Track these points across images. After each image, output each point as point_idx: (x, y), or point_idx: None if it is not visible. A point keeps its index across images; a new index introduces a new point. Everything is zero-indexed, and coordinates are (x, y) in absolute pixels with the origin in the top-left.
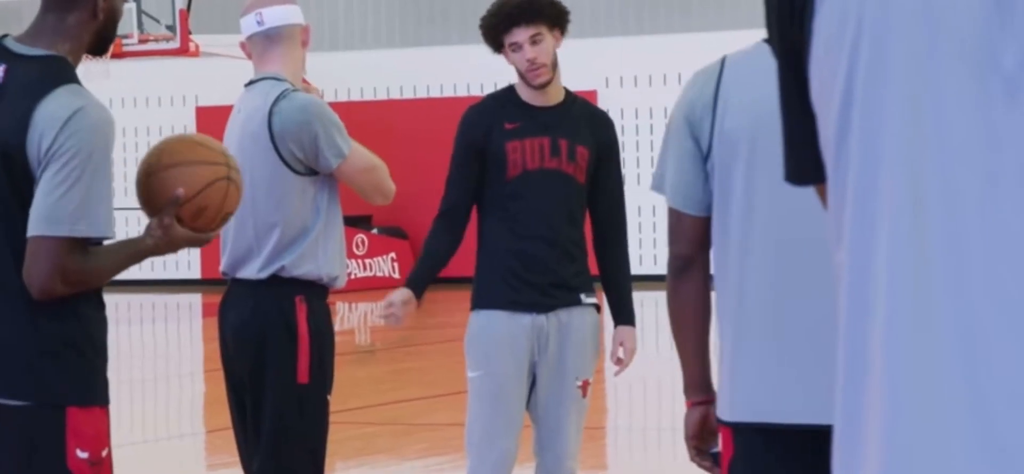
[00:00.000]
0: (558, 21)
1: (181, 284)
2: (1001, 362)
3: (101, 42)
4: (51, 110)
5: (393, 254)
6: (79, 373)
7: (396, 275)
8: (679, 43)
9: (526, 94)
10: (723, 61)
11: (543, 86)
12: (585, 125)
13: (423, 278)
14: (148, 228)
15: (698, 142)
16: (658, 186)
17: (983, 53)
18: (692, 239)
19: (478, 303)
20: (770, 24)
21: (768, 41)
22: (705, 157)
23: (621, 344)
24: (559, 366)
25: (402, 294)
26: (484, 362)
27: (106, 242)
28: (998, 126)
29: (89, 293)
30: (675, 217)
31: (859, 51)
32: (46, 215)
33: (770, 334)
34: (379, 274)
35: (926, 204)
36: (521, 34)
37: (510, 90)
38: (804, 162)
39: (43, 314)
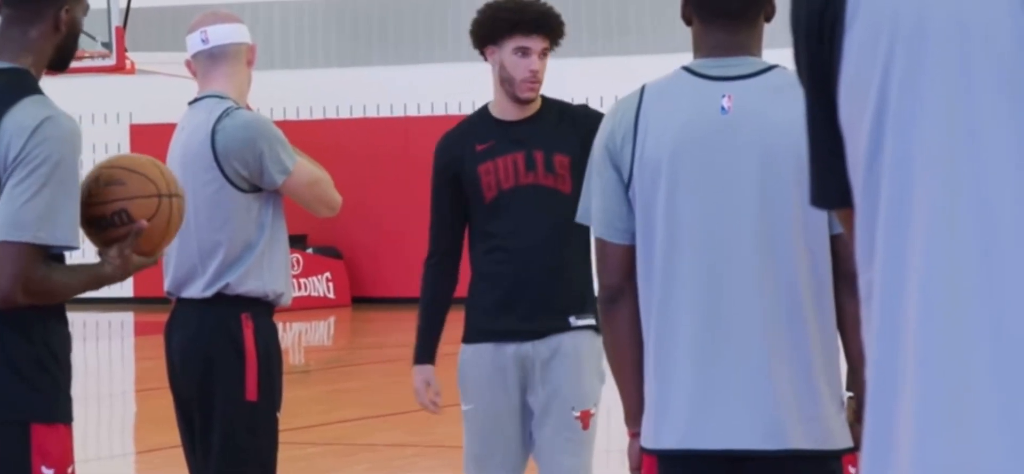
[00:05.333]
0: (558, 42)
1: (113, 302)
2: None
3: (62, 56)
4: (19, 119)
5: (328, 273)
6: (44, 390)
7: (331, 295)
8: (640, 64)
9: (499, 109)
10: (643, 89)
11: (530, 101)
12: (566, 127)
13: (430, 344)
14: (107, 256)
15: (619, 171)
16: (584, 217)
17: (1017, 69)
18: (619, 268)
19: (466, 336)
20: (797, 46)
21: (795, 64)
22: (627, 185)
23: None
24: (552, 397)
25: (421, 377)
26: (474, 396)
27: (68, 261)
28: None
29: (54, 308)
30: (601, 247)
31: (892, 68)
32: (9, 220)
33: (695, 361)
34: (314, 294)
35: (960, 221)
36: (536, 43)
37: (483, 110)
38: (830, 185)
39: (9, 329)
